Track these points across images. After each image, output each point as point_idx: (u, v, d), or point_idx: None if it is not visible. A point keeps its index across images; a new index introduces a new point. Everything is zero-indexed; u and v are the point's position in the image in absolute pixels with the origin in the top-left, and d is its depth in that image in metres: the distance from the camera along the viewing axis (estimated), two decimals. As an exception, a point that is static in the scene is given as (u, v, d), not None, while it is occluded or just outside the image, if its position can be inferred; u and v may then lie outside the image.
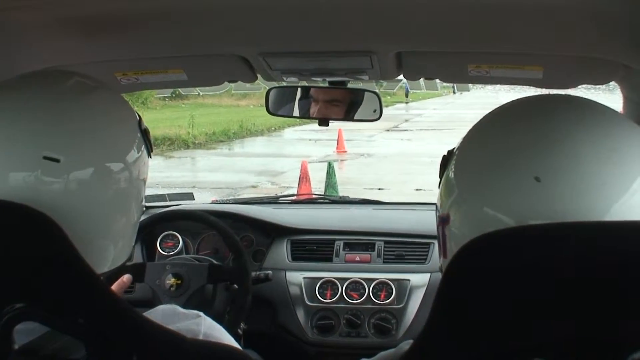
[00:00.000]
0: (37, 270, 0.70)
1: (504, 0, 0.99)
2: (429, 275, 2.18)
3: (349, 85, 1.74)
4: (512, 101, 0.83)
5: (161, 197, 2.94)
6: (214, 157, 14.32)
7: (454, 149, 0.85)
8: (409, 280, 2.17)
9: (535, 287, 0.60)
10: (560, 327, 0.60)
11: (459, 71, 1.39)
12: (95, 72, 1.15)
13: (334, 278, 2.21)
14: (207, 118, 19.63)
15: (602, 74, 1.29)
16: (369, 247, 2.32)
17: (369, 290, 2.16)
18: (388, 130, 18.47)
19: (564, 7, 0.97)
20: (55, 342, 0.74)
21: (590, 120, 0.74)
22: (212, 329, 0.93)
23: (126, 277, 1.78)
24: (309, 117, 1.93)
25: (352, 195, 3.45)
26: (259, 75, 1.47)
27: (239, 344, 1.29)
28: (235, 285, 2.07)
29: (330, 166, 8.01)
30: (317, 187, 8.03)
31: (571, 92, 1.35)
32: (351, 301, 2.16)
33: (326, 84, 1.75)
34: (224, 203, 3.08)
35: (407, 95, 32.96)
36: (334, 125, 2.13)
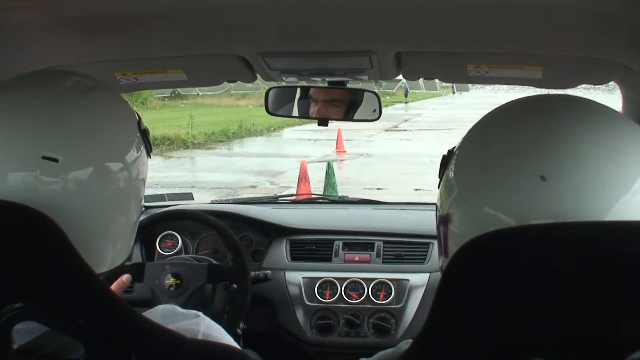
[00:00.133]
0: (36, 270, 0.70)
1: (504, 0, 0.99)
2: (428, 275, 2.18)
3: (348, 85, 1.74)
4: (512, 101, 0.83)
5: (160, 197, 2.94)
6: (213, 157, 14.32)
7: (454, 148, 0.85)
8: (408, 280, 2.17)
9: (535, 287, 0.61)
10: (560, 327, 0.60)
11: (458, 71, 1.39)
12: (94, 72, 1.15)
13: (333, 278, 2.21)
14: (206, 118, 19.63)
15: (601, 74, 1.29)
16: (368, 247, 2.32)
17: (368, 290, 2.16)
18: (387, 130, 18.48)
19: (563, 7, 0.97)
20: (54, 342, 0.74)
21: (591, 120, 0.74)
22: (211, 329, 0.93)
23: (125, 277, 1.78)
24: (308, 117, 1.93)
25: (352, 195, 3.45)
26: (258, 75, 1.46)
27: (238, 343, 1.29)
28: (235, 285, 2.07)
29: (329, 166, 8.01)
30: (317, 187, 8.04)
31: (570, 92, 1.35)
32: (350, 301, 2.16)
33: (325, 84, 1.75)
34: (223, 203, 3.08)
35: (406, 95, 32.98)
36: (333, 125, 2.14)
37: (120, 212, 0.89)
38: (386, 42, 1.24)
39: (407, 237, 2.33)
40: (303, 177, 7.78)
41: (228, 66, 1.40)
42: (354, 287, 2.18)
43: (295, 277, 2.25)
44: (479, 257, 0.64)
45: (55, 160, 0.79)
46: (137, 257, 2.32)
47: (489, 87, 36.04)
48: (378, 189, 9.48)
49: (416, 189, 9.28)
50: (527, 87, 1.47)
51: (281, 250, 2.35)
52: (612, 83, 1.33)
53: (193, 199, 3.25)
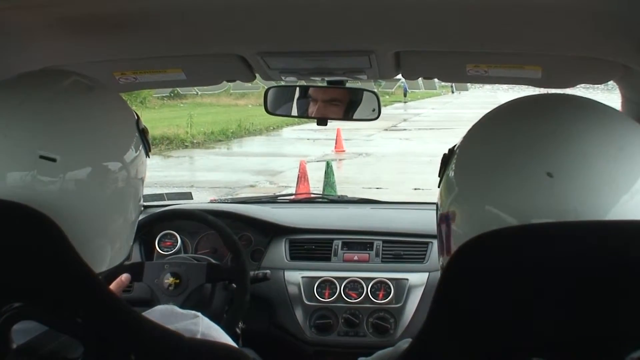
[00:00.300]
0: (35, 270, 0.70)
1: (503, 0, 0.99)
2: (427, 274, 2.18)
3: (348, 85, 1.74)
4: (514, 100, 0.83)
5: (159, 197, 2.94)
6: (213, 156, 14.31)
7: (454, 147, 0.84)
8: (407, 279, 2.18)
9: (535, 286, 0.60)
10: (561, 327, 0.60)
11: (457, 71, 1.38)
12: (93, 72, 1.15)
13: (333, 277, 2.21)
14: (205, 117, 19.62)
15: (601, 74, 1.29)
16: (368, 247, 2.32)
17: (367, 289, 2.16)
18: (386, 129, 18.47)
19: (562, 7, 0.97)
20: (53, 342, 0.74)
21: (595, 119, 0.74)
22: (210, 329, 0.93)
23: (124, 277, 1.78)
24: (307, 117, 1.93)
25: (351, 194, 3.46)
26: (257, 75, 1.46)
27: (237, 343, 1.29)
28: (234, 285, 2.06)
29: (328, 166, 8.00)
30: (316, 186, 8.02)
31: (570, 91, 1.35)
32: (349, 300, 2.16)
33: (325, 84, 1.75)
34: (223, 202, 3.08)
35: (405, 95, 32.96)
36: (332, 124, 2.14)
37: (118, 211, 0.89)
38: (385, 42, 1.23)
39: (406, 237, 2.33)
40: (302, 177, 7.77)
41: (227, 66, 1.40)
42: (353, 286, 2.18)
43: (295, 277, 2.25)
44: (478, 257, 0.64)
45: (53, 160, 0.79)
46: (136, 257, 2.32)
47: (488, 87, 36.06)
48: (377, 188, 9.48)
49: (415, 189, 9.29)
50: (527, 86, 1.47)
51: (280, 250, 2.35)
52: (611, 82, 1.33)
53: (192, 199, 3.26)
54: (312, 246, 2.36)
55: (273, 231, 2.41)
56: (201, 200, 4.05)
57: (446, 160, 0.85)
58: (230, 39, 1.23)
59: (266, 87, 1.95)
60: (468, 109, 22.11)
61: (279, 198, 3.37)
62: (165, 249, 2.35)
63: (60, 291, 0.71)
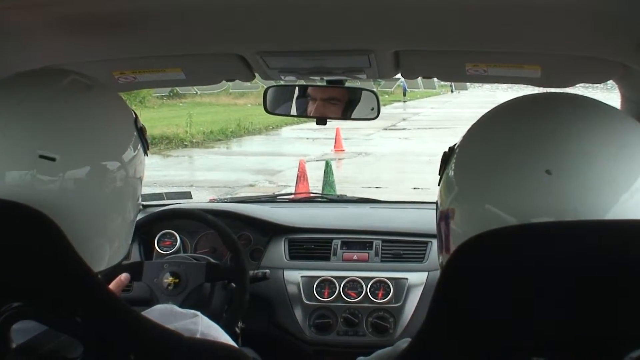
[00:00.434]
0: (35, 269, 0.70)
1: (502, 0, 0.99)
2: (426, 274, 2.18)
3: (347, 84, 1.74)
4: (514, 99, 0.83)
5: (159, 196, 2.94)
6: (212, 155, 14.31)
7: (454, 145, 0.84)
8: (406, 279, 2.18)
9: (534, 286, 0.60)
10: (560, 327, 0.60)
11: (456, 70, 1.38)
12: (92, 71, 1.15)
13: (332, 277, 2.21)
14: (204, 117, 19.61)
15: (600, 73, 1.29)
16: (367, 246, 2.32)
17: (366, 289, 2.16)
18: (386, 129, 18.47)
19: (562, 6, 0.97)
20: (52, 341, 0.74)
21: (596, 117, 0.74)
22: (209, 329, 0.93)
23: (124, 276, 1.78)
24: (306, 116, 1.93)
25: (350, 194, 3.45)
26: (256, 74, 1.46)
27: (237, 342, 1.29)
28: (233, 284, 2.06)
29: (327, 165, 8.00)
30: (315, 185, 8.03)
31: (569, 90, 1.35)
32: (349, 300, 2.17)
33: (324, 83, 1.75)
34: (222, 202, 3.08)
35: (404, 94, 32.95)
36: (331, 124, 2.14)
37: (117, 210, 0.89)
38: (384, 41, 1.23)
39: (406, 236, 2.33)
40: (301, 176, 7.77)
41: (226, 65, 1.40)
42: (353, 286, 2.18)
43: (294, 276, 2.25)
44: (478, 256, 0.64)
45: (53, 159, 0.79)
46: (135, 256, 2.32)
47: (487, 86, 36.04)
48: (376, 187, 9.48)
49: (414, 188, 9.29)
50: (526, 86, 1.47)
51: (280, 249, 2.35)
52: (610, 82, 1.33)
53: (191, 198, 3.25)
54: (311, 245, 2.36)
55: (272, 230, 2.41)
56: (200, 199, 4.05)
57: (446, 158, 0.85)
58: (230, 39, 1.23)
59: (265, 87, 1.95)
60: (467, 109, 22.10)
61: (278, 197, 3.37)
62: (164, 249, 2.35)
63: (60, 291, 0.71)
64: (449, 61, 1.35)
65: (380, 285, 2.17)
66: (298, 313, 2.19)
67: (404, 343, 0.87)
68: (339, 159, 12.63)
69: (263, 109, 1.95)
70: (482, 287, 0.63)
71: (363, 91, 1.85)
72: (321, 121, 1.83)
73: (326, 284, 2.20)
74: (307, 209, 2.82)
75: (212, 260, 2.15)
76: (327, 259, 2.31)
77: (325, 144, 14.49)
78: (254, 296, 2.10)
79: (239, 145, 16.56)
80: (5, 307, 0.69)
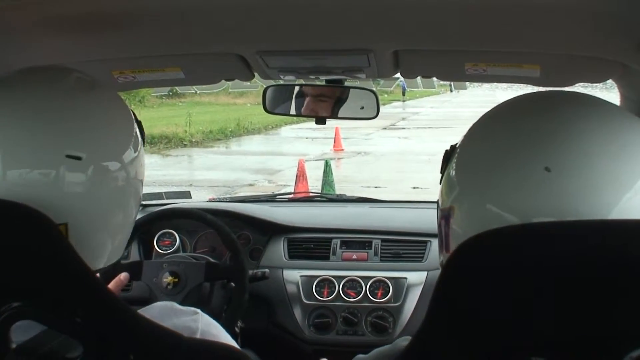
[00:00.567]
0: (34, 269, 0.70)
1: None
2: (425, 273, 2.18)
3: (346, 84, 1.73)
4: (516, 97, 0.82)
5: (158, 196, 2.94)
6: (211, 155, 14.30)
7: (456, 144, 0.84)
8: (405, 278, 2.18)
9: (534, 286, 0.60)
10: (560, 326, 0.60)
11: (456, 69, 1.38)
12: (92, 70, 1.15)
13: (331, 276, 2.21)
14: (204, 116, 19.60)
15: (599, 73, 1.29)
16: (366, 245, 2.33)
17: (365, 288, 2.17)
18: (385, 128, 18.47)
19: (561, 6, 0.97)
20: (52, 340, 0.73)
21: (597, 117, 0.73)
22: (209, 326, 0.93)
23: (123, 276, 1.78)
24: (306, 115, 1.93)
25: (349, 193, 3.45)
26: (256, 74, 1.46)
27: (236, 342, 1.29)
28: (232, 284, 2.07)
29: (327, 164, 8.01)
30: (314, 185, 8.04)
31: (568, 89, 1.35)
32: (348, 299, 2.17)
33: (323, 82, 1.75)
34: (221, 201, 3.08)
35: (404, 94, 32.95)
36: (331, 123, 2.13)
37: (121, 208, 0.89)
38: (384, 41, 1.23)
39: (405, 236, 2.33)
40: (301, 176, 7.78)
41: (226, 64, 1.40)
42: (352, 285, 2.19)
43: (293, 276, 2.25)
44: (478, 256, 0.64)
45: (79, 158, 0.79)
46: (134, 256, 2.32)
47: (486, 86, 36.05)
48: (376, 187, 9.48)
49: (414, 187, 9.29)
50: (525, 85, 1.47)
51: (279, 249, 2.35)
52: (610, 81, 1.33)
53: (191, 197, 3.25)
54: (310, 245, 2.37)
55: (272, 230, 2.41)
56: (200, 199, 4.06)
57: (447, 157, 0.84)
58: (229, 38, 1.23)
59: (265, 86, 1.95)
60: (467, 108, 22.12)
61: (277, 197, 3.37)
62: (163, 248, 2.35)
63: (60, 291, 0.71)
64: (449, 61, 1.34)
65: (379, 285, 2.17)
66: (297, 312, 2.19)
67: (403, 341, 0.87)
68: (338, 159, 12.63)
69: (262, 108, 1.95)
70: (482, 287, 0.63)
71: (362, 91, 1.85)
72: (320, 121, 1.83)
73: (325, 284, 2.20)
74: (306, 209, 2.82)
75: (212, 260, 2.15)
76: (327, 258, 2.31)
77: (324, 143, 14.49)
78: (253, 296, 2.10)
79: (238, 144, 16.56)
80: (4, 307, 0.69)
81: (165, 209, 2.37)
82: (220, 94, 26.59)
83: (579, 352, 0.60)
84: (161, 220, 2.28)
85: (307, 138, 16.35)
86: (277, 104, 1.94)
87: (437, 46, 1.26)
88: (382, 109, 1.91)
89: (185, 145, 15.85)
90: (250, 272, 2.10)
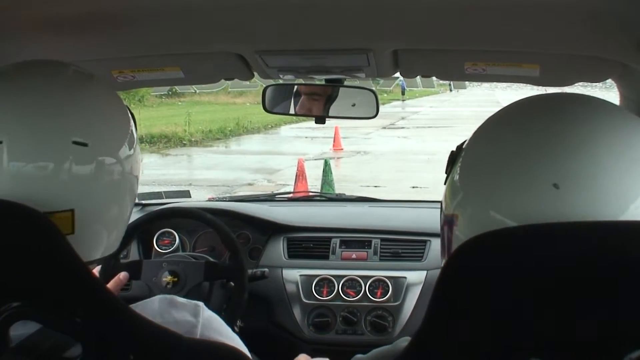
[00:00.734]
0: (33, 270, 0.70)
1: None
2: (425, 272, 2.18)
3: (346, 83, 1.73)
4: (522, 100, 0.80)
5: (157, 195, 2.94)
6: (211, 154, 14.30)
7: (462, 144, 0.82)
8: (405, 277, 2.18)
9: (534, 287, 0.60)
10: (560, 327, 0.60)
11: (455, 69, 1.38)
12: (91, 70, 1.15)
13: (331, 275, 2.21)
14: (203, 116, 19.61)
15: (599, 72, 1.29)
16: (366, 245, 2.33)
17: (365, 287, 2.17)
18: (384, 127, 18.48)
19: (561, 5, 0.97)
20: (51, 338, 0.73)
21: (610, 125, 0.71)
22: (210, 320, 0.92)
23: (122, 275, 1.78)
24: (305, 115, 1.93)
25: (349, 192, 3.45)
26: (255, 73, 1.46)
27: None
28: (232, 283, 2.07)
29: (326, 164, 8.01)
30: (314, 184, 8.03)
31: (568, 89, 1.35)
32: (347, 299, 2.17)
33: (323, 82, 1.75)
34: (221, 201, 3.08)
35: (403, 93, 32.94)
36: (330, 122, 2.13)
37: (117, 200, 0.89)
38: (383, 40, 1.23)
39: (404, 235, 2.33)
40: (300, 175, 7.78)
41: (225, 64, 1.40)
42: (351, 284, 2.19)
43: (293, 275, 2.25)
44: (478, 257, 0.64)
45: (85, 145, 0.80)
46: (134, 255, 2.32)
47: (486, 85, 36.09)
48: (375, 186, 9.48)
49: (413, 187, 9.29)
50: (525, 84, 1.47)
51: (278, 248, 2.35)
52: (609, 80, 1.33)
53: (190, 197, 3.25)
54: (310, 244, 2.36)
55: (271, 229, 2.41)
56: (199, 198, 4.05)
57: (454, 158, 0.82)
58: (229, 38, 1.23)
59: (264, 86, 1.95)
60: (466, 107, 22.15)
61: (277, 196, 3.36)
62: (163, 247, 2.35)
63: (59, 291, 0.71)
64: (448, 60, 1.34)
65: (378, 284, 2.17)
66: (297, 312, 2.19)
67: (403, 342, 0.87)
68: (338, 158, 12.63)
69: (262, 107, 1.95)
70: (482, 287, 0.63)
71: (362, 90, 1.85)
72: (320, 120, 1.83)
73: (325, 283, 2.20)
74: (305, 208, 2.82)
75: (211, 259, 2.16)
76: (326, 257, 2.31)
77: (324, 142, 14.49)
78: (253, 295, 2.10)
79: (238, 144, 16.56)
80: (4, 307, 0.69)
81: (165, 208, 2.37)
82: (219, 94, 26.57)
83: (579, 352, 0.60)
84: (160, 220, 2.28)
85: (306, 137, 16.35)
86: (276, 103, 1.93)
87: (436, 45, 1.26)
88: (381, 108, 1.91)
89: (184, 145, 15.85)
90: (250, 271, 2.10)
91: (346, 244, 2.34)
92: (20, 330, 0.72)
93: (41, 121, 0.80)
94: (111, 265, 1.98)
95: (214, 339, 0.88)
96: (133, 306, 0.83)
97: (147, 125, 16.25)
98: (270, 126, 19.64)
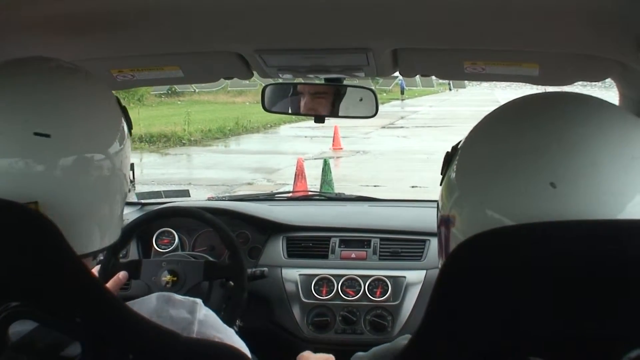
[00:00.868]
0: (33, 270, 0.70)
1: None
2: (424, 272, 2.18)
3: (345, 82, 1.73)
4: (519, 98, 0.80)
5: (157, 194, 2.94)
6: (210, 154, 14.30)
7: (457, 144, 0.82)
8: (404, 277, 2.18)
9: (532, 286, 0.60)
10: (558, 326, 0.60)
11: (454, 68, 1.38)
12: (90, 69, 1.15)
13: (330, 275, 2.21)
14: (202, 115, 19.61)
15: (598, 71, 1.29)
16: (365, 244, 2.33)
17: (364, 287, 2.17)
18: (384, 127, 18.47)
19: (560, 5, 0.97)
20: (48, 336, 0.73)
21: (607, 124, 0.71)
22: (207, 317, 0.92)
23: (122, 274, 1.78)
24: (305, 114, 1.93)
25: (348, 192, 3.45)
26: (254, 72, 1.46)
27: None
28: (231, 282, 2.07)
29: (326, 163, 8.00)
30: (313, 184, 8.03)
31: (567, 88, 1.35)
32: (347, 298, 2.17)
33: (322, 81, 1.75)
34: (220, 200, 3.08)
35: (402, 92, 32.92)
36: (329, 122, 2.13)
37: (102, 194, 0.87)
38: (383, 39, 1.23)
39: (404, 234, 2.33)
40: (299, 174, 7.78)
41: (225, 63, 1.40)
42: (351, 284, 2.19)
43: (292, 274, 2.25)
44: (476, 256, 0.64)
45: (47, 136, 0.79)
46: (133, 254, 2.32)
47: (485, 84, 36.09)
48: (375, 186, 9.48)
49: (413, 186, 9.29)
50: (524, 84, 1.47)
51: (278, 247, 2.35)
52: (609, 80, 1.33)
53: (190, 196, 3.26)
54: (309, 244, 2.36)
55: (270, 229, 2.41)
56: (199, 197, 4.05)
57: (449, 158, 0.82)
58: (228, 37, 1.23)
59: (264, 85, 1.95)
60: (466, 107, 22.14)
61: (276, 196, 3.36)
62: (162, 247, 2.35)
63: (58, 290, 0.71)
64: (447, 59, 1.34)
65: (378, 284, 2.17)
66: (296, 311, 2.19)
67: (403, 340, 0.87)
68: (337, 157, 12.63)
69: (261, 107, 1.95)
70: (480, 287, 0.63)
71: (361, 89, 1.84)
72: (319, 119, 1.83)
73: (324, 282, 2.20)
74: (305, 207, 2.82)
75: (210, 259, 2.16)
76: (325, 257, 2.31)
77: (323, 142, 14.48)
78: (252, 294, 2.10)
79: (237, 143, 16.56)
80: (3, 306, 0.69)
81: (164, 207, 2.37)
82: (219, 93, 26.55)
83: (577, 351, 0.60)
84: (160, 219, 2.28)
85: (305, 137, 16.35)
86: (275, 102, 1.93)
87: (435, 45, 1.26)
88: (380, 107, 1.91)
89: (184, 144, 15.85)
90: (249, 270, 2.10)
91: (345, 243, 2.34)
92: (18, 327, 0.72)
93: (6, 115, 0.80)
94: (110, 264, 1.98)
95: (211, 336, 0.88)
96: (130, 303, 0.83)
97: (147, 124, 16.25)
98: (269, 125, 19.64)
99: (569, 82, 1.41)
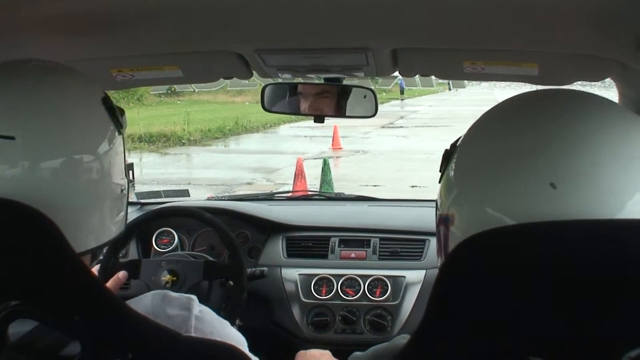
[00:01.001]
0: (32, 269, 0.70)
1: None
2: (424, 271, 2.18)
3: (344, 82, 1.73)
4: (519, 95, 0.79)
5: (156, 194, 2.94)
6: (210, 153, 14.30)
7: (456, 142, 0.81)
8: (404, 276, 2.18)
9: (532, 285, 0.60)
10: (558, 326, 0.60)
11: (454, 68, 1.38)
12: (90, 69, 1.15)
13: (330, 275, 2.21)
14: (202, 115, 19.61)
15: (597, 71, 1.29)
16: (365, 244, 2.33)
17: (364, 286, 2.17)
18: (383, 127, 18.48)
19: (560, 5, 0.97)
20: (48, 336, 0.73)
21: (607, 122, 0.70)
22: (203, 313, 0.92)
23: (121, 274, 1.78)
24: (304, 114, 1.92)
25: (348, 191, 3.45)
26: (254, 72, 1.46)
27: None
28: (231, 282, 2.07)
29: (325, 163, 8.01)
30: (313, 183, 8.03)
31: (569, 88, 1.34)
32: (346, 298, 2.17)
33: (321, 81, 1.75)
34: (220, 200, 3.08)
35: (402, 92, 32.90)
36: (329, 122, 2.13)
37: (86, 193, 0.86)
38: (382, 39, 1.23)
39: (404, 234, 2.33)
40: (299, 174, 7.78)
41: (224, 63, 1.40)
42: (350, 283, 2.19)
43: (292, 274, 2.25)
44: (476, 256, 0.64)
45: (12, 138, 0.78)
46: (133, 254, 2.32)
47: (485, 84, 36.06)
48: (374, 185, 9.48)
49: (412, 186, 9.30)
50: (524, 83, 1.47)
51: (277, 247, 2.35)
52: (608, 79, 1.33)
53: (189, 196, 3.26)
54: (309, 243, 2.36)
55: (270, 228, 2.41)
56: (198, 197, 4.05)
57: (448, 156, 0.81)
58: (227, 37, 1.23)
59: (263, 85, 1.95)
60: (465, 106, 22.14)
61: (276, 195, 3.37)
62: (162, 247, 2.35)
63: (59, 290, 0.71)
64: (447, 59, 1.34)
65: (377, 283, 2.17)
66: (296, 311, 2.19)
67: (401, 339, 0.87)
68: (337, 157, 12.63)
69: (261, 106, 1.95)
70: (479, 287, 0.63)
71: (361, 89, 1.84)
72: (319, 119, 1.83)
73: (324, 282, 2.20)
74: (304, 207, 2.82)
75: (210, 258, 2.16)
76: (325, 257, 2.31)
77: (323, 142, 14.48)
78: (252, 294, 2.10)
79: (237, 143, 16.56)
80: (2, 306, 0.69)
81: (164, 207, 2.37)
82: (218, 93, 26.55)
83: (577, 351, 0.59)
84: (160, 219, 2.28)
85: (305, 136, 16.36)
86: (275, 102, 1.93)
87: (435, 44, 1.26)
88: (380, 107, 1.91)
89: (183, 144, 15.85)
90: (249, 270, 2.10)
91: (345, 243, 2.34)
92: (17, 327, 0.71)
93: None
94: (110, 264, 1.98)
95: (208, 332, 0.89)
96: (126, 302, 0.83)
97: (146, 124, 16.26)
98: (269, 125, 19.64)
99: (569, 82, 1.41)
